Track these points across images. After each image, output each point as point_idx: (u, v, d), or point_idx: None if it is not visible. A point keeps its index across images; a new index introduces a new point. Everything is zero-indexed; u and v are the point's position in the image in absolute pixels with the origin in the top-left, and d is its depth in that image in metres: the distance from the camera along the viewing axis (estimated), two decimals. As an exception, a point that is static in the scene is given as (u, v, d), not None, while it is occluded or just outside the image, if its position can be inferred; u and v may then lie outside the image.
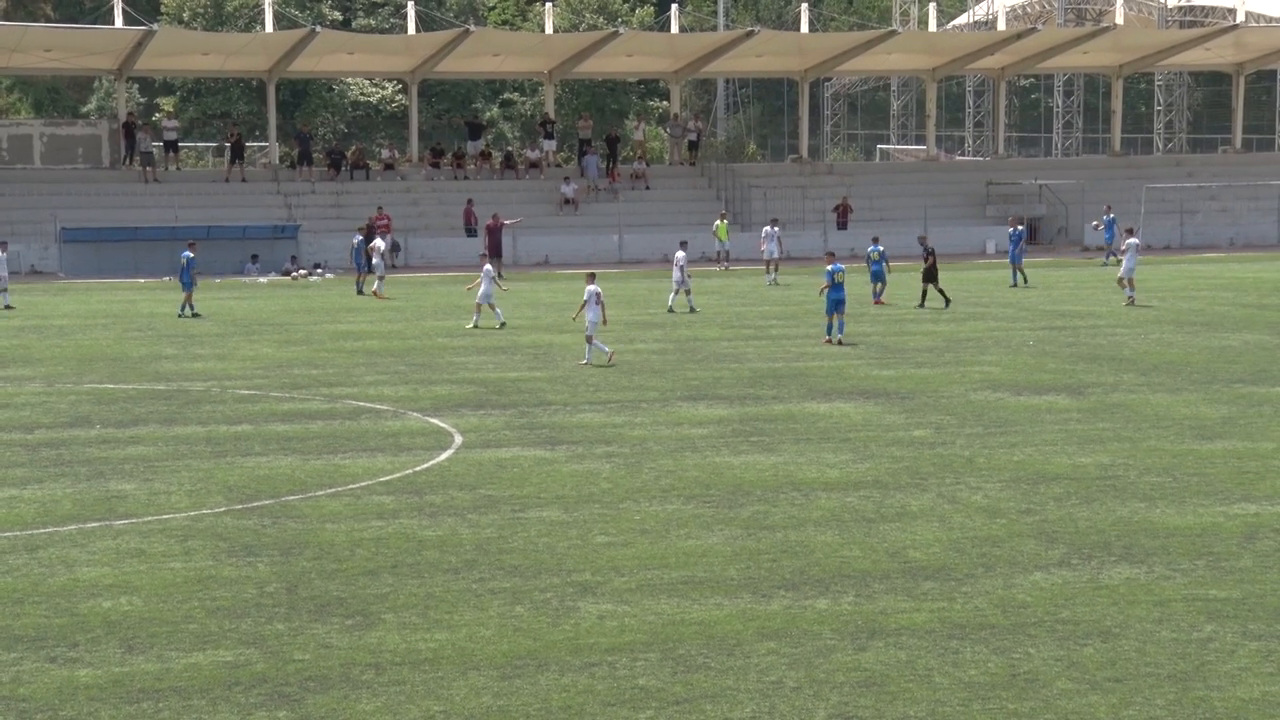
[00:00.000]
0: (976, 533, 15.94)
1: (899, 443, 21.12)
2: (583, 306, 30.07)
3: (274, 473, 19.43)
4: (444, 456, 20.44)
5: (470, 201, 62.55)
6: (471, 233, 61.37)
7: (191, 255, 42.06)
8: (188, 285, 41.25)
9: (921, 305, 40.76)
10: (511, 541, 15.73)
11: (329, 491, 18.26)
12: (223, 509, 17.38)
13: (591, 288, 29.87)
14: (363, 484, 18.69)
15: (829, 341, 32.36)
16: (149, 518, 16.95)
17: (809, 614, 13.14)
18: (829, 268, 32.97)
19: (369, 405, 25.00)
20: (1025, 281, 47.89)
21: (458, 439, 21.74)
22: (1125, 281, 41.25)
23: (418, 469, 19.62)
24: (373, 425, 23.09)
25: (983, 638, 12.46)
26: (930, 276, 40.99)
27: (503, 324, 36.51)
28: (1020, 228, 49.68)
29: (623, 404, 24.83)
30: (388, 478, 19.07)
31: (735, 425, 22.63)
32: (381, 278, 46.41)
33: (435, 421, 23.28)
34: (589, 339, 29.67)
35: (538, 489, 18.31)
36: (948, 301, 40.85)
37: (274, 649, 12.32)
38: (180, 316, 40.10)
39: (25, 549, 15.60)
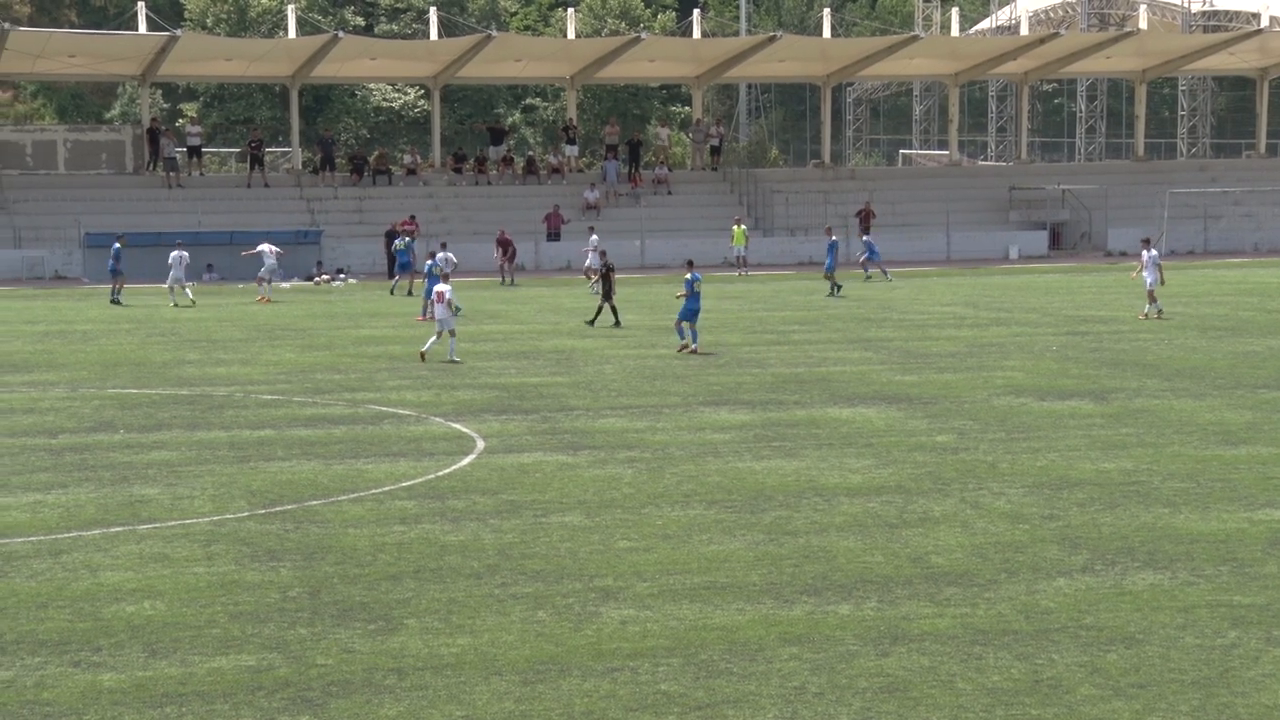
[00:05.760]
0: (999, 538, 15.89)
1: (922, 448, 21.07)
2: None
3: (297, 477, 19.47)
4: (466, 461, 20.46)
5: (556, 207, 63.00)
6: (553, 236, 62.46)
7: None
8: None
9: (592, 323, 37.84)
10: (534, 546, 15.73)
11: (351, 496, 18.29)
12: (245, 513, 17.41)
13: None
14: (385, 489, 18.71)
15: (685, 349, 31.74)
16: (172, 522, 16.99)
17: (831, 619, 13.11)
18: (687, 276, 32.33)
19: (391, 410, 25.04)
20: (838, 290, 46.71)
21: (480, 444, 21.75)
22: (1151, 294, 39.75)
23: (440, 474, 19.63)
24: (395, 430, 23.12)
25: (1006, 643, 12.42)
26: (607, 294, 37.82)
27: (176, 304, 44.17)
28: (834, 239, 48.83)
29: (645, 409, 24.82)
30: (410, 483, 19.09)
31: (757, 430, 22.61)
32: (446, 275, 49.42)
33: (457, 426, 23.30)
34: None
35: (560, 494, 18.30)
36: (617, 321, 37.71)
37: (297, 654, 12.34)
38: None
39: (49, 553, 15.64)
